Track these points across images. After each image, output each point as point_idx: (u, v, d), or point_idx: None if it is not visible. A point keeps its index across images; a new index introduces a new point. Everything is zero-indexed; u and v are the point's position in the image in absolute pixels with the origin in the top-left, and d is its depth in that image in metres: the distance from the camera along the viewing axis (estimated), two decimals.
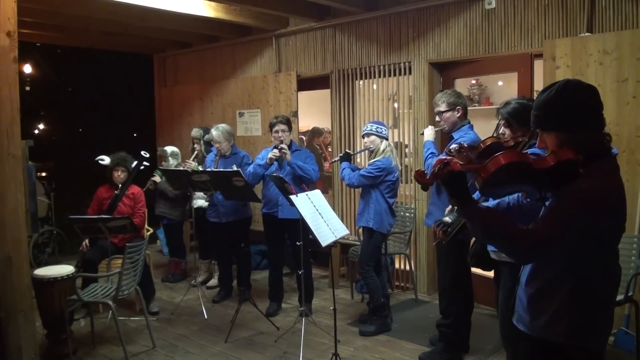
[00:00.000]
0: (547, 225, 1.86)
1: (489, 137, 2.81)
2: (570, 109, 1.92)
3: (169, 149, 6.45)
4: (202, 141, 6.22)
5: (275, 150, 4.87)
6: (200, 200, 5.95)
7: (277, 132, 4.98)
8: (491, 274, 3.66)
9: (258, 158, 5.13)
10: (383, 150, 4.62)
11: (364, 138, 4.77)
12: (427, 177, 2.01)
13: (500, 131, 2.98)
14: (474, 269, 4.17)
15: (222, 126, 5.47)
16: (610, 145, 1.99)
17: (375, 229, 4.60)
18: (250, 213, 5.63)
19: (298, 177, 4.87)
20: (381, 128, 4.67)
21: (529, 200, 2.23)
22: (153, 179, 6.17)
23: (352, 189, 6.13)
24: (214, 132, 5.41)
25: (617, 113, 4.21)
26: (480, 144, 2.95)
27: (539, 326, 2.00)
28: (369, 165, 4.65)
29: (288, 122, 5.06)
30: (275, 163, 4.98)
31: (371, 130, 4.66)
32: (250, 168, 5.08)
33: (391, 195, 4.65)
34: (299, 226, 4.47)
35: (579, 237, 1.86)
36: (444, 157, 1.98)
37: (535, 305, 2.02)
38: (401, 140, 5.96)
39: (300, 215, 3.93)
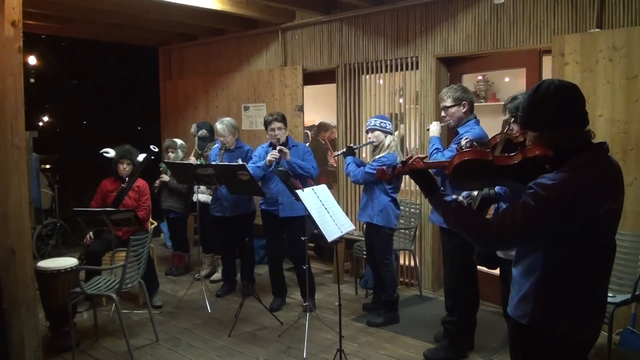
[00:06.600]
0: (500, 219, 1.93)
1: (498, 134, 2.80)
2: (537, 109, 1.96)
3: (179, 141, 6.46)
4: (196, 137, 6.20)
5: (275, 152, 4.80)
6: (202, 195, 5.92)
7: (273, 130, 4.92)
8: (497, 271, 3.64)
9: (255, 156, 5.09)
10: (388, 146, 4.59)
11: (367, 133, 4.74)
12: (388, 175, 2.26)
13: (510, 127, 2.94)
14: (480, 267, 4.16)
15: (227, 120, 5.44)
16: (591, 141, 1.97)
17: (381, 225, 4.59)
18: (254, 207, 5.60)
19: (298, 176, 4.81)
20: (385, 123, 4.64)
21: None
22: (162, 179, 6.16)
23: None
24: (218, 126, 5.38)
25: (626, 110, 4.16)
26: (490, 140, 2.94)
27: (512, 306, 2.09)
28: (373, 161, 4.62)
29: (284, 119, 5.01)
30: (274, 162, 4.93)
31: (375, 125, 4.63)
32: (249, 170, 5.03)
33: (394, 191, 4.66)
34: (298, 223, 4.43)
35: (533, 231, 1.89)
36: (409, 156, 2.19)
37: (514, 287, 2.10)
38: (405, 135, 5.93)
39: (306, 210, 3.91)
